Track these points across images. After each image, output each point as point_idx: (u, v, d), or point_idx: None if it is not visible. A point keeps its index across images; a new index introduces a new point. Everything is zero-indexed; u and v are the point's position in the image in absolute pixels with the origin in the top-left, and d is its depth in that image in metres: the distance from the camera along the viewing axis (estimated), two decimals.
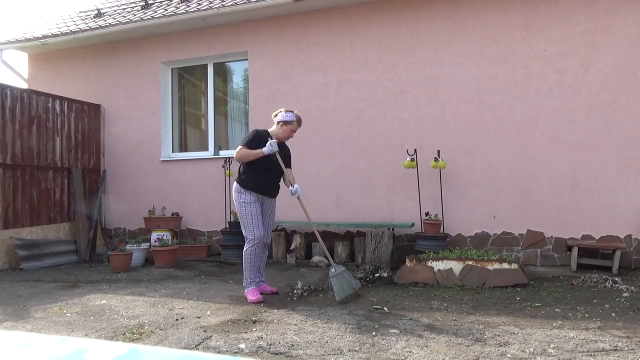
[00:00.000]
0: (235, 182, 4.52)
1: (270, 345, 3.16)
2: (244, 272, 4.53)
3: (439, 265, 4.96)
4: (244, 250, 4.54)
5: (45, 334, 3.48)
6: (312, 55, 7.01)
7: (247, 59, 7.49)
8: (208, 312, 4.04)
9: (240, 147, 4.38)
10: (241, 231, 6.96)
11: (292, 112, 4.52)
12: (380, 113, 6.64)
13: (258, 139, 4.41)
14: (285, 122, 4.46)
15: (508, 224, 6.08)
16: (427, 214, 6.16)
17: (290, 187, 4.55)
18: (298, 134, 7.09)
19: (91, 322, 3.84)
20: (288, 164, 4.60)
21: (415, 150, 6.22)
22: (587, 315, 3.73)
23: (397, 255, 6.15)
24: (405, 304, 4.18)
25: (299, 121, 4.56)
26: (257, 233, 4.47)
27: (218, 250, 7.24)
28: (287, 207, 7.10)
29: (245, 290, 4.50)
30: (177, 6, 7.64)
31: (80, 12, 9.23)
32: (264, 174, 4.44)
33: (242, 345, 3.18)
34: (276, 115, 4.54)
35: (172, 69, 8.13)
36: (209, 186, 7.54)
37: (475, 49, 6.23)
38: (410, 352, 2.98)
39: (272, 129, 4.55)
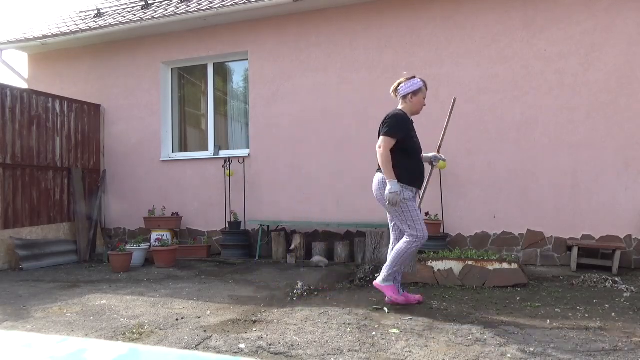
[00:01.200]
0: (383, 175, 3.86)
1: (270, 345, 3.16)
2: (389, 266, 3.96)
3: (439, 265, 4.96)
4: (402, 245, 3.90)
5: (45, 334, 3.48)
6: (312, 55, 7.01)
7: (247, 59, 7.49)
8: (208, 312, 4.04)
9: (387, 138, 3.78)
10: (242, 231, 7.05)
11: (414, 77, 3.98)
12: (380, 113, 6.57)
13: (405, 124, 3.86)
14: (414, 93, 3.94)
15: (508, 224, 6.08)
16: (427, 214, 6.16)
17: (436, 156, 4.11)
18: (298, 134, 7.13)
19: (91, 322, 3.83)
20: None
21: None
22: (587, 315, 3.73)
23: None
24: None
25: (426, 85, 4.03)
26: (426, 232, 3.89)
27: (218, 250, 7.24)
28: (286, 208, 7.12)
29: (384, 284, 3.98)
30: (177, 6, 7.64)
31: (80, 12, 9.23)
32: (417, 163, 3.95)
33: (242, 345, 3.18)
34: (397, 89, 3.97)
35: (172, 69, 8.13)
36: (209, 186, 7.54)
37: (475, 49, 6.23)
38: (410, 352, 2.98)
39: (400, 107, 4.00)
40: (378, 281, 4.05)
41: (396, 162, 3.81)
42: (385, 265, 4.05)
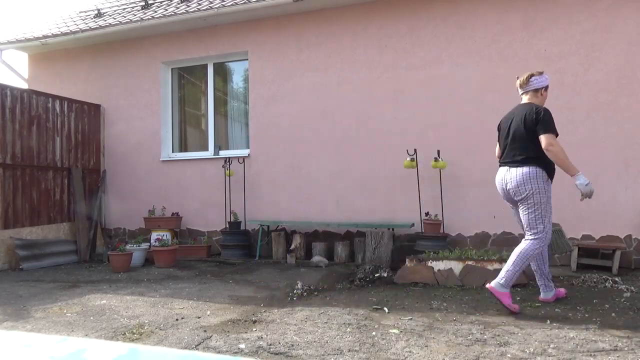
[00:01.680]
0: (530, 167, 3.77)
1: (270, 345, 3.16)
2: (509, 271, 3.76)
3: (439, 266, 4.96)
4: (526, 245, 3.77)
5: (45, 334, 3.48)
6: (312, 55, 7.01)
7: (247, 59, 7.49)
8: (208, 312, 4.04)
9: (553, 135, 3.67)
10: (242, 231, 7.05)
11: (542, 73, 3.90)
12: (380, 113, 6.64)
13: (552, 116, 3.77)
14: (546, 88, 3.89)
15: (508, 224, 6.06)
16: (427, 214, 6.16)
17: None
18: (298, 134, 7.14)
19: (91, 322, 3.83)
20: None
21: (415, 150, 6.22)
22: (587, 315, 3.73)
23: (397, 255, 6.14)
24: (405, 304, 4.18)
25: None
26: (550, 230, 3.80)
27: (218, 250, 7.24)
28: (286, 208, 7.12)
29: (502, 290, 3.76)
30: (177, 6, 7.64)
31: (80, 12, 9.23)
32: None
33: (242, 345, 3.18)
34: (529, 81, 3.85)
35: (172, 69, 8.13)
36: (209, 186, 7.54)
37: (475, 49, 6.23)
38: (410, 352, 2.98)
39: (528, 100, 3.88)
40: (494, 285, 3.75)
41: (542, 155, 3.74)
42: (505, 268, 3.80)
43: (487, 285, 3.82)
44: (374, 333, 3.36)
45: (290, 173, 7.10)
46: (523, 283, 4.72)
